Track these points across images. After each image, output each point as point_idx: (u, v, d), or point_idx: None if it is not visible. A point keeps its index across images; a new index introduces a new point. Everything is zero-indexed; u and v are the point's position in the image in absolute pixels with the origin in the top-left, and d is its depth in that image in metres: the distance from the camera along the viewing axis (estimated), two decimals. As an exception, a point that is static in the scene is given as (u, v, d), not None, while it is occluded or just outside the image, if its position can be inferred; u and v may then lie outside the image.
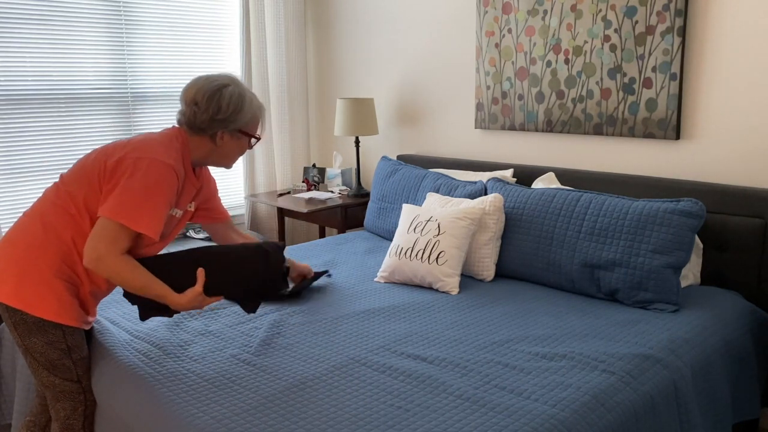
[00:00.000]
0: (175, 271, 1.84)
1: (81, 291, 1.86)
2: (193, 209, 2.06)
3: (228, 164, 2.01)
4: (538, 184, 2.88)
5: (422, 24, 3.60)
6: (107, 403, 1.84)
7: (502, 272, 2.67)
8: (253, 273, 1.90)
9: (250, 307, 1.97)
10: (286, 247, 2.03)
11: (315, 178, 4.03)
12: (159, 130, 1.94)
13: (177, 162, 1.83)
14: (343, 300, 2.39)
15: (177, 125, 1.95)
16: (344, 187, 3.91)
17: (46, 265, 1.79)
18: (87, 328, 1.92)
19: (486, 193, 2.83)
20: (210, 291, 1.86)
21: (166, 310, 1.90)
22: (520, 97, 3.14)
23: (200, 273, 1.81)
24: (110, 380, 1.86)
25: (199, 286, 1.80)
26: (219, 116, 1.87)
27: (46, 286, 1.78)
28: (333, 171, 3.96)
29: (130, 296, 1.89)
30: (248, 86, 3.90)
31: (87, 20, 3.44)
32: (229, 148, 1.95)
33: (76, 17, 3.40)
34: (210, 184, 2.12)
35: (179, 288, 1.82)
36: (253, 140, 2.00)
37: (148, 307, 1.89)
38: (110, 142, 1.88)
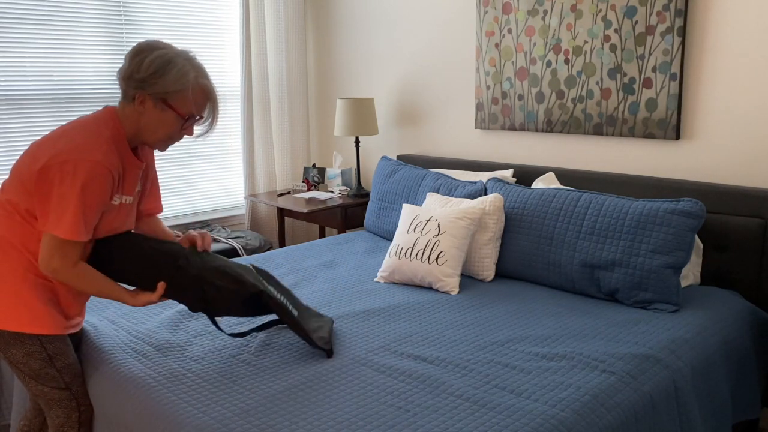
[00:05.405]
0: (140, 265, 1.84)
1: (60, 294, 1.81)
2: (140, 189, 1.96)
3: (155, 141, 1.82)
4: (538, 184, 2.88)
5: (422, 24, 3.59)
6: (107, 406, 1.84)
7: (502, 272, 2.67)
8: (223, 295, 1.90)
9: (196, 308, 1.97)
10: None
11: (315, 178, 4.03)
12: (90, 113, 1.83)
13: (107, 153, 1.71)
14: (343, 300, 2.39)
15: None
16: (344, 187, 3.91)
17: (9, 276, 1.74)
18: (72, 331, 1.88)
19: (486, 193, 2.83)
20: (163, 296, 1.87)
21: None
22: (520, 97, 3.14)
23: (161, 287, 1.82)
24: (109, 382, 1.85)
25: (155, 297, 1.82)
26: (137, 75, 1.73)
27: (14, 297, 1.74)
28: (333, 171, 3.96)
29: None
30: (247, 87, 3.90)
31: (87, 20, 3.44)
32: (151, 119, 1.78)
33: (76, 17, 3.40)
34: (154, 167, 2.02)
35: (133, 278, 1.83)
36: (181, 120, 1.79)
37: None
38: (41, 137, 1.77)
